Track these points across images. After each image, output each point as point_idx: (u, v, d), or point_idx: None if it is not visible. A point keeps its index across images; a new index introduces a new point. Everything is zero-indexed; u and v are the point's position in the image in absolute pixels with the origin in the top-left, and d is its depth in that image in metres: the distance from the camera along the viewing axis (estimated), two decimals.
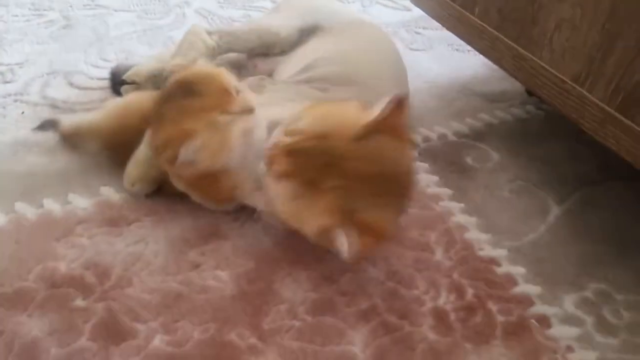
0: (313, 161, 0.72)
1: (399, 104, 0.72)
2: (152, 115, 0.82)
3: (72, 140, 0.98)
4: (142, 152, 0.89)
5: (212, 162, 0.79)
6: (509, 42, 0.96)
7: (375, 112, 0.73)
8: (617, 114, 0.81)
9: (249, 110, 0.79)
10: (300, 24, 1.12)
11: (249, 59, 1.15)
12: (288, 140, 0.74)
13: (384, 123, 0.72)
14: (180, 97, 0.78)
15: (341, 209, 0.71)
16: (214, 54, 1.10)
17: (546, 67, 0.90)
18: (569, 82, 0.87)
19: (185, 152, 0.76)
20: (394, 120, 0.72)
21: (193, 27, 1.12)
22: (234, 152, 0.80)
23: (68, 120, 0.98)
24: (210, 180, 0.81)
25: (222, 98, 0.78)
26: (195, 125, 0.76)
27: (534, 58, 0.92)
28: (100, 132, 0.95)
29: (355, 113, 0.75)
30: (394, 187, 0.74)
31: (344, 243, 0.70)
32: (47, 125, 0.97)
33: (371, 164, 0.72)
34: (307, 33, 1.12)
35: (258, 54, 1.13)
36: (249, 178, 0.82)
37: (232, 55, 1.06)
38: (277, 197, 0.76)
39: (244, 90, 0.82)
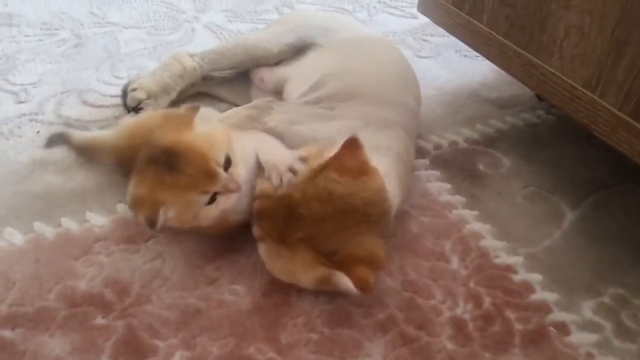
0: (275, 219, 0.76)
1: (351, 143, 0.76)
2: (137, 162, 0.80)
3: (86, 154, 0.99)
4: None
5: (185, 225, 0.80)
6: (518, 49, 0.97)
7: (328, 154, 0.76)
8: (629, 119, 0.81)
9: (232, 190, 0.78)
10: (292, 40, 1.14)
11: (253, 74, 1.16)
12: (257, 203, 0.78)
13: (334, 162, 0.75)
14: (163, 165, 0.75)
15: (319, 255, 0.74)
16: (194, 75, 1.14)
17: (556, 73, 0.90)
18: (580, 88, 0.87)
19: (160, 217, 0.75)
20: (346, 159, 0.75)
21: (176, 52, 1.17)
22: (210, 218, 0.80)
23: (80, 134, 1.00)
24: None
25: (205, 179, 0.75)
26: (169, 198, 0.75)
27: (543, 65, 0.92)
28: (113, 149, 0.96)
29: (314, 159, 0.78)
30: (359, 217, 0.75)
31: (348, 283, 0.72)
32: (55, 140, 0.99)
33: (323, 204, 0.74)
34: (302, 49, 1.13)
35: (246, 68, 1.16)
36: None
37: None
38: (263, 259, 0.79)
39: (236, 163, 0.79)
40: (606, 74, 0.83)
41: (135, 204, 0.77)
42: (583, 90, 0.87)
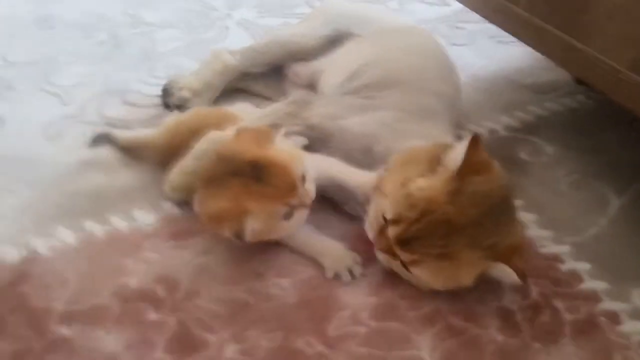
0: (432, 238, 0.75)
1: (474, 142, 0.77)
2: (207, 176, 0.83)
3: (130, 153, 1.02)
4: (189, 162, 0.91)
5: (263, 238, 0.83)
6: (558, 32, 0.94)
7: (455, 157, 0.77)
8: None
9: (305, 205, 0.82)
10: (327, 32, 1.14)
11: (287, 68, 1.17)
12: (395, 230, 0.77)
13: (467, 165, 0.75)
14: (249, 176, 0.79)
15: (481, 254, 0.75)
16: (234, 72, 1.16)
17: (600, 56, 0.88)
18: (625, 70, 0.85)
19: (246, 230, 0.78)
20: (474, 158, 0.76)
21: (216, 49, 1.18)
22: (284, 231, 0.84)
23: (124, 134, 1.04)
24: None
25: (288, 192, 0.80)
26: (256, 208, 0.78)
27: (586, 48, 0.90)
28: (156, 147, 0.99)
29: (425, 166, 0.79)
30: (505, 208, 0.78)
31: (511, 274, 0.75)
32: (100, 139, 1.02)
33: (478, 206, 0.75)
34: (338, 40, 1.13)
35: (283, 63, 1.16)
36: None
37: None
38: (420, 282, 0.80)
39: (309, 181, 0.83)
40: None
41: (218, 218, 0.80)
42: (628, 72, 0.84)
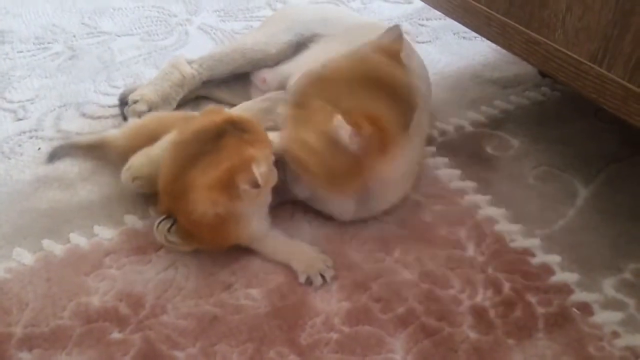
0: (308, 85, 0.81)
1: (393, 31, 0.85)
2: (186, 159, 0.80)
3: (93, 153, 0.99)
4: (156, 151, 0.88)
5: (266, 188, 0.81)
6: (520, 27, 0.94)
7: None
8: (639, 90, 0.79)
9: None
10: (290, 37, 1.12)
11: (252, 74, 1.15)
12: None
13: (374, 44, 0.83)
14: (236, 132, 0.80)
15: (332, 110, 0.76)
16: (193, 82, 1.12)
17: (561, 49, 0.88)
18: (586, 62, 0.85)
19: (259, 175, 0.76)
20: (384, 43, 0.83)
21: (173, 58, 1.15)
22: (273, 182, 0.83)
23: (85, 137, 1.02)
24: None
25: (267, 139, 0.83)
26: (255, 152, 0.78)
27: (547, 41, 0.90)
28: (117, 148, 0.95)
29: None
30: (383, 86, 0.79)
31: (344, 128, 0.74)
32: (57, 153, 0.98)
33: (354, 70, 0.79)
34: (303, 43, 1.12)
35: (246, 71, 1.14)
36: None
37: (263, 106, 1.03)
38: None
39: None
40: (613, 46, 0.81)
41: (226, 179, 0.76)
42: (589, 64, 0.85)
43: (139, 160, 0.89)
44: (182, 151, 0.81)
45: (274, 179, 0.81)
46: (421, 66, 1.07)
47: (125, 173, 0.90)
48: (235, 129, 0.79)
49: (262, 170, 0.76)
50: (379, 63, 0.81)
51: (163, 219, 0.82)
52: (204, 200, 0.76)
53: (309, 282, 0.83)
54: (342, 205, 0.89)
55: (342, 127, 0.74)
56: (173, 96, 1.10)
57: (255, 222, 0.83)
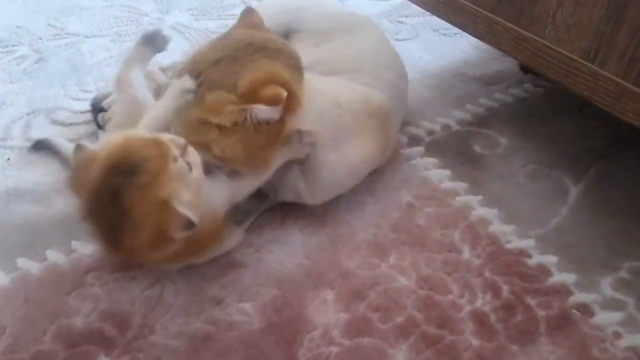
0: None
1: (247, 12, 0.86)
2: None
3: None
4: None
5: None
6: (508, 24, 0.93)
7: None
8: (633, 87, 0.78)
9: None
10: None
11: None
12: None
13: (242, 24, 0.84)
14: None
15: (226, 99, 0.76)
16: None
17: (551, 46, 0.87)
18: (578, 59, 0.84)
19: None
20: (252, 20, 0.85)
21: (147, 71, 1.07)
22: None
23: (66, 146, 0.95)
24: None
25: None
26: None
27: (537, 38, 0.89)
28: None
29: None
30: (254, 50, 0.78)
31: (262, 108, 0.75)
32: (40, 145, 0.93)
33: (223, 50, 0.79)
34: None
35: None
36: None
37: None
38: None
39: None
40: (606, 42, 0.80)
41: (159, 234, 0.68)
42: (581, 61, 0.84)
43: None
44: (95, 221, 0.71)
45: (199, 176, 0.72)
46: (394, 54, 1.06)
47: None
48: (126, 179, 0.67)
49: (186, 197, 0.68)
50: (253, 34, 0.81)
51: None
52: (155, 260, 0.72)
53: None
54: (294, 181, 0.87)
55: (262, 109, 0.74)
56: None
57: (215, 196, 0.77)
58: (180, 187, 0.68)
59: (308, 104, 0.82)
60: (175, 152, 0.70)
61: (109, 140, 0.71)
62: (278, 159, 0.83)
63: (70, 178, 0.74)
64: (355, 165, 0.91)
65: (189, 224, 0.67)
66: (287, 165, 0.86)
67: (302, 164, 0.87)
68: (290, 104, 0.77)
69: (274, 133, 0.79)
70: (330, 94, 0.90)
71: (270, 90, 0.75)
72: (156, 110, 0.81)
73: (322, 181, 0.88)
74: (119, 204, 0.67)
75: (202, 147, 0.76)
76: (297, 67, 0.82)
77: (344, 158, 0.89)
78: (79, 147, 0.71)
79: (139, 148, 0.68)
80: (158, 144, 0.69)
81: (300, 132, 0.82)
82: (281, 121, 0.78)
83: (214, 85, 0.77)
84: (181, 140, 0.72)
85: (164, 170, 0.68)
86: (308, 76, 0.85)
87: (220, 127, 0.76)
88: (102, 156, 0.69)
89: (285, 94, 0.75)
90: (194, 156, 0.73)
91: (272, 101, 0.75)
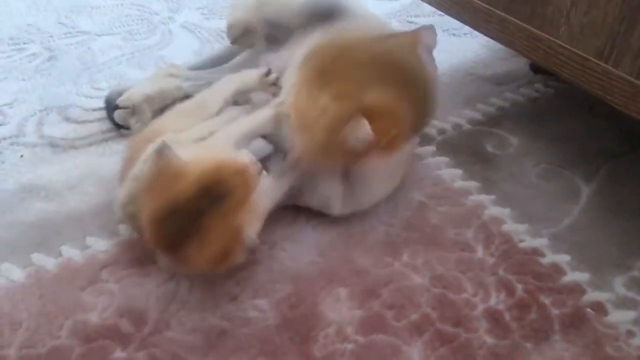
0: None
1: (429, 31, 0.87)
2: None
3: None
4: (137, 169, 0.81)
5: None
6: (521, 23, 0.93)
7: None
8: None
9: None
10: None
11: (257, 55, 1.08)
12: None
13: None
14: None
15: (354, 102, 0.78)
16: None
17: (565, 45, 0.87)
18: (592, 58, 0.84)
19: None
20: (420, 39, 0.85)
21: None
22: None
23: None
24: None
25: None
26: None
27: (550, 38, 0.89)
28: None
29: None
30: (393, 73, 0.81)
31: (364, 131, 0.75)
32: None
33: (364, 53, 0.82)
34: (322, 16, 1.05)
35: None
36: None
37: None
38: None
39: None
40: (620, 42, 0.80)
41: (224, 254, 0.73)
42: (595, 60, 0.84)
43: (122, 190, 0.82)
44: (164, 228, 0.72)
45: (265, 207, 0.77)
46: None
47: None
48: (212, 202, 0.70)
49: (255, 227, 0.73)
50: (404, 54, 0.81)
51: None
52: (212, 270, 0.74)
53: None
54: (330, 189, 0.87)
55: (362, 128, 0.72)
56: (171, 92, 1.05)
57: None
58: (253, 218, 0.73)
59: None
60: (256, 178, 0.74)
61: (200, 157, 0.73)
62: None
63: (144, 177, 0.74)
64: (398, 171, 0.91)
65: (251, 250, 0.73)
66: (324, 172, 0.85)
67: (346, 172, 0.85)
68: (386, 145, 0.78)
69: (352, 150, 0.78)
70: None
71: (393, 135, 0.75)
72: (245, 125, 0.83)
73: (368, 191, 0.88)
74: (199, 222, 0.70)
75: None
76: (424, 119, 0.84)
77: (388, 166, 0.88)
78: (164, 148, 0.72)
79: (230, 177, 0.72)
80: (244, 172, 0.74)
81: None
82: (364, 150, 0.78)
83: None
84: (258, 165, 0.76)
85: (245, 201, 0.72)
86: None
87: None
88: (192, 173, 0.71)
89: (382, 143, 0.76)
90: (266, 182, 0.77)
91: (387, 146, 0.75)
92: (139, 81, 1.13)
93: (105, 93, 1.11)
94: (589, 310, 0.79)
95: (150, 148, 0.77)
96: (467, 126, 1.11)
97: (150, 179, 0.73)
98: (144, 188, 0.73)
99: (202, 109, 0.88)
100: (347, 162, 0.81)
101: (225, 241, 0.71)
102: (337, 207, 0.88)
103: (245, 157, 0.76)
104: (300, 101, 0.80)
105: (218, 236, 0.71)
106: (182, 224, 0.70)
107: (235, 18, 1.01)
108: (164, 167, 0.72)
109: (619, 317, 0.78)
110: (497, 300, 0.80)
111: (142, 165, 0.77)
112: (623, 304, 0.80)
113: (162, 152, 0.72)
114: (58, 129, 1.06)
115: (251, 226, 0.72)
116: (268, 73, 0.90)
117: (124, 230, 0.87)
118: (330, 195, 0.87)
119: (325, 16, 0.96)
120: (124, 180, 0.81)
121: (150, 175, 0.73)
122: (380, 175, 0.88)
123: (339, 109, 0.76)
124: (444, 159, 1.03)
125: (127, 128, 1.02)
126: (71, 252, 0.84)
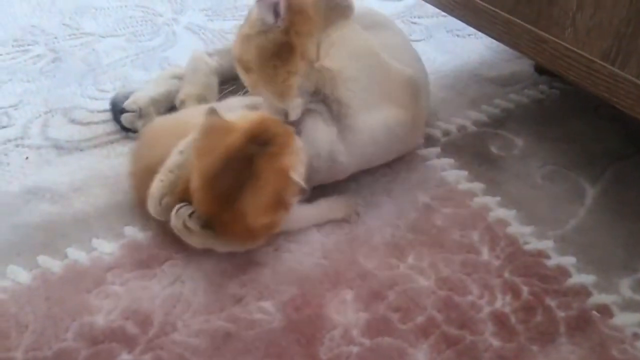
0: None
1: None
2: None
3: None
4: (173, 160, 0.82)
5: None
6: (527, 25, 0.93)
7: None
8: None
9: None
10: None
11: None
12: None
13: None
14: None
15: None
16: (216, 74, 1.08)
17: (571, 47, 0.87)
18: (598, 61, 0.84)
19: None
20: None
21: (194, 53, 1.10)
22: None
23: None
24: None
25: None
26: None
27: (556, 40, 0.89)
28: None
29: None
30: None
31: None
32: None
33: None
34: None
35: None
36: None
37: None
38: None
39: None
40: (626, 44, 0.80)
41: (276, 198, 0.78)
42: (602, 63, 0.84)
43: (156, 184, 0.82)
44: (218, 182, 0.76)
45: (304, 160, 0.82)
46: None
47: (151, 201, 0.81)
48: (260, 147, 0.77)
49: (300, 171, 0.78)
50: None
51: (183, 206, 0.78)
52: (260, 224, 0.77)
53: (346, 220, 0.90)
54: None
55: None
56: (212, 86, 1.06)
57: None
58: (297, 161, 0.79)
59: (341, 42, 0.88)
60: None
61: (246, 116, 0.82)
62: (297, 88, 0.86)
63: (195, 140, 0.79)
64: (390, 127, 0.92)
65: (302, 191, 0.77)
66: (323, 132, 0.88)
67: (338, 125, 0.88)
68: (298, 20, 0.83)
69: (284, 45, 0.84)
70: (372, 43, 0.93)
71: None
72: None
73: (360, 141, 0.89)
74: (250, 168, 0.76)
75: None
76: (332, 3, 0.86)
77: (379, 119, 0.90)
78: (213, 111, 0.79)
79: (273, 125, 0.80)
80: (284, 125, 0.82)
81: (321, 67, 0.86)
82: (286, 32, 0.84)
83: None
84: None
85: (289, 145, 0.79)
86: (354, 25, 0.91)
87: (248, 36, 0.87)
88: (239, 128, 0.78)
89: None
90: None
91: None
92: (143, 83, 1.13)
93: (109, 95, 1.11)
94: (594, 312, 0.79)
95: (186, 140, 0.82)
96: (471, 127, 1.11)
97: (201, 142, 0.78)
98: (195, 154, 0.78)
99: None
100: (285, 66, 0.86)
101: (275, 184, 0.76)
102: (344, 156, 0.89)
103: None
104: None
105: (269, 179, 0.76)
106: (235, 174, 0.76)
107: (186, 93, 1.05)
108: (214, 127, 0.79)
109: (624, 319, 0.78)
110: (502, 302, 0.80)
111: (179, 157, 0.81)
112: (629, 306, 0.80)
113: (212, 114, 0.79)
114: (63, 131, 1.06)
115: (296, 169, 0.78)
116: None
117: (130, 232, 0.87)
118: (333, 148, 0.88)
119: None
120: (142, 175, 0.84)
121: (200, 140, 0.79)
122: (368, 120, 0.89)
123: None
124: (448, 161, 1.02)
125: (135, 131, 1.02)
126: (77, 255, 0.84)
